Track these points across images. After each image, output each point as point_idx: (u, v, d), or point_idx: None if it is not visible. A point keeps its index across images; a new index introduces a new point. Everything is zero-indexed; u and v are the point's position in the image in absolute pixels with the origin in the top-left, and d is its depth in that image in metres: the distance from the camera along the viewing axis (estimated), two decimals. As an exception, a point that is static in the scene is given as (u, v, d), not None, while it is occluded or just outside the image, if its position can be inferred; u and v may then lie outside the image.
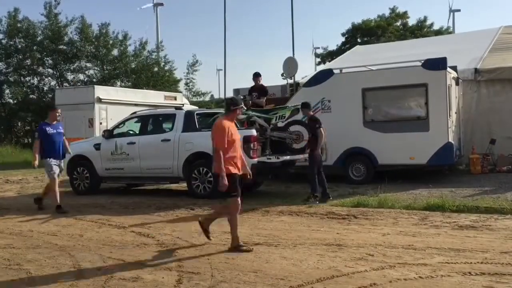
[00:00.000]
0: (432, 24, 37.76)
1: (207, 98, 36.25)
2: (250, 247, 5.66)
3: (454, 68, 11.79)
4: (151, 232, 6.86)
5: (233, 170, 5.68)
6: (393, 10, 38.69)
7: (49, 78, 29.34)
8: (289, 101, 12.14)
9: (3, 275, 5.00)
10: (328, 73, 11.90)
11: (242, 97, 9.59)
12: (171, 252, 5.71)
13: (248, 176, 6.17)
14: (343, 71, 11.93)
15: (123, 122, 11.25)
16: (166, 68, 30.99)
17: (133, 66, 29.41)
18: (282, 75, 16.41)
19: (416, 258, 5.06)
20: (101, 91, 18.33)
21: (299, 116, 10.86)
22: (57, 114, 9.37)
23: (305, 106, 9.66)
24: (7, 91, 28.34)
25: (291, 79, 16.33)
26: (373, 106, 11.21)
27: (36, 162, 8.96)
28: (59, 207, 8.86)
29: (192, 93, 33.34)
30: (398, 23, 38.44)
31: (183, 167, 9.92)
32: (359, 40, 36.06)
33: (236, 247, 5.63)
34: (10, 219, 8.31)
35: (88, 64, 29.60)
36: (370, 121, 11.16)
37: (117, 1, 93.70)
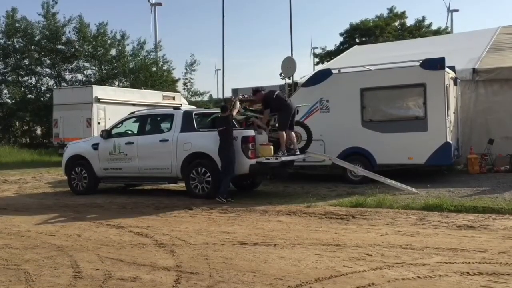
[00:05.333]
0: (430, 24, 37.87)
1: (206, 98, 36.33)
2: None
3: (452, 68, 11.81)
4: (149, 232, 6.85)
5: None
6: (391, 10, 38.77)
7: (47, 78, 29.36)
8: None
9: (1, 275, 4.99)
10: (326, 73, 11.91)
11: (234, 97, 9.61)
12: (169, 252, 5.71)
13: None
14: (342, 71, 11.93)
15: (121, 122, 11.24)
16: (164, 68, 31.02)
17: (131, 66, 29.40)
18: (280, 75, 16.40)
19: (414, 258, 5.06)
20: (99, 91, 18.34)
21: (298, 117, 10.90)
22: None
23: None
24: (5, 91, 28.32)
25: (290, 79, 16.35)
26: (372, 106, 11.23)
27: None
28: None
29: (191, 93, 33.44)
30: (396, 23, 38.49)
31: (182, 167, 9.91)
32: (357, 40, 36.09)
33: None
34: (8, 219, 8.29)
35: (86, 64, 29.61)
36: (369, 121, 11.17)
37: (115, 1, 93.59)
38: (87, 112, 17.67)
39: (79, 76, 29.75)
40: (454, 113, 11.66)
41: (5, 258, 5.66)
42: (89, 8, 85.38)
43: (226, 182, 9.36)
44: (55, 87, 26.76)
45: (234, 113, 9.70)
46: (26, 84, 28.94)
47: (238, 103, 9.80)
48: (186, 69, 32.89)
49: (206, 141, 9.75)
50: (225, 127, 9.28)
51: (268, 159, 9.43)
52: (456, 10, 50.21)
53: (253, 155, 9.30)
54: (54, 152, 20.76)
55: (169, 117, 10.58)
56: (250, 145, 9.29)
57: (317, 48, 45.85)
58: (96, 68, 29.62)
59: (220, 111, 9.66)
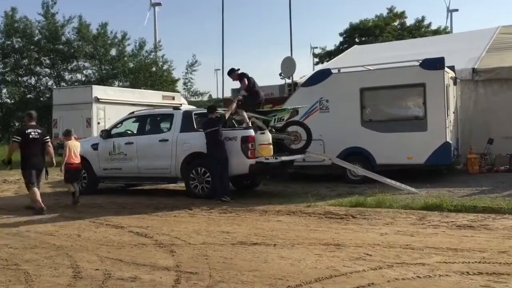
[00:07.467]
0: (430, 24, 37.82)
1: (205, 98, 36.35)
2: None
3: (452, 68, 11.80)
4: (149, 232, 6.84)
5: None
6: (391, 10, 38.74)
7: (47, 78, 29.31)
8: (287, 101, 12.16)
9: (1, 275, 4.99)
10: (326, 73, 11.91)
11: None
12: (169, 252, 5.71)
13: None
14: (341, 71, 11.93)
15: (121, 122, 11.23)
16: (164, 67, 30.99)
17: (131, 65, 29.38)
18: (280, 75, 16.43)
19: (414, 258, 5.06)
20: (99, 91, 18.32)
21: (297, 116, 10.90)
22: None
23: None
24: (4, 90, 28.30)
25: (289, 79, 16.36)
26: (371, 106, 11.24)
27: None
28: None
29: (190, 93, 33.43)
30: (396, 23, 38.48)
31: (181, 167, 9.91)
32: (357, 40, 36.06)
33: None
34: (7, 219, 8.29)
35: (86, 64, 29.57)
36: (368, 120, 11.17)
37: (115, 1, 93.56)
38: (87, 112, 17.65)
39: (79, 76, 29.75)
40: (453, 113, 11.66)
41: (4, 258, 5.66)
42: (89, 8, 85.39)
43: (227, 181, 9.39)
44: (55, 87, 26.74)
45: (227, 114, 9.73)
46: (26, 84, 28.91)
47: (234, 105, 9.81)
48: (186, 69, 32.89)
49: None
50: (216, 127, 9.30)
51: (268, 159, 9.44)
52: (456, 10, 50.27)
53: (252, 155, 9.29)
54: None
55: (168, 117, 10.57)
56: (249, 145, 9.29)
57: (316, 48, 45.91)
58: (96, 68, 29.60)
59: (207, 112, 9.70)
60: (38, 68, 28.81)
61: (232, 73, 10.38)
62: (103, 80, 28.17)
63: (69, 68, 29.23)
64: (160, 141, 10.20)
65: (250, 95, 10.17)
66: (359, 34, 37.54)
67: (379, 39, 33.56)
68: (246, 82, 10.06)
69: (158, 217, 8.10)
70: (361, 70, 11.88)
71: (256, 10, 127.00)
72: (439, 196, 8.37)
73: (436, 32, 36.08)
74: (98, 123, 17.49)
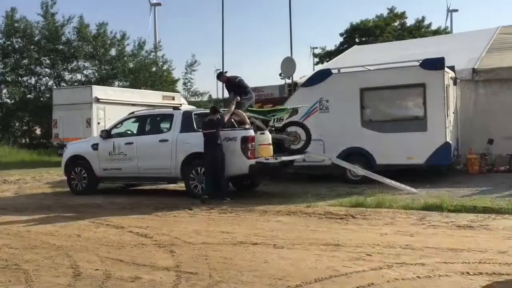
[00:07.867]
0: (430, 24, 37.80)
1: (205, 98, 36.37)
2: None
3: (452, 68, 11.80)
4: (149, 232, 6.84)
5: None
6: (391, 10, 38.73)
7: (47, 78, 29.31)
8: (287, 101, 12.16)
9: (1, 275, 4.99)
10: (326, 73, 11.91)
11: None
12: (169, 252, 5.70)
13: None
14: (341, 71, 11.93)
15: (121, 122, 11.23)
16: (164, 68, 30.98)
17: (131, 66, 29.37)
18: (280, 75, 16.43)
19: (414, 258, 5.06)
20: (99, 91, 18.33)
21: (297, 117, 10.90)
22: None
23: None
24: (4, 90, 28.30)
25: (289, 79, 16.35)
26: (371, 106, 11.24)
27: None
28: None
29: (190, 93, 33.44)
30: (396, 23, 38.46)
31: (181, 167, 9.91)
32: (357, 40, 36.04)
33: None
34: (7, 219, 8.29)
35: (86, 64, 29.57)
36: (368, 121, 11.17)
37: (115, 1, 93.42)
38: (87, 112, 17.67)
39: (79, 76, 29.75)
40: (453, 113, 11.66)
41: (4, 258, 5.66)
42: (89, 8, 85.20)
43: (223, 183, 9.38)
44: (55, 87, 26.74)
45: (227, 117, 9.71)
46: (26, 84, 28.92)
47: (233, 107, 9.79)
48: (186, 69, 32.87)
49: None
50: (215, 129, 9.30)
51: (268, 159, 9.44)
52: (456, 10, 50.24)
53: (252, 155, 9.30)
54: (53, 152, 20.76)
55: (168, 117, 10.57)
56: (249, 145, 9.29)
57: (317, 48, 45.75)
58: (96, 68, 29.60)
59: (210, 112, 9.71)
60: (38, 68, 28.81)
61: (221, 76, 10.58)
62: (103, 80, 28.15)
63: (69, 68, 29.23)
64: (160, 141, 10.20)
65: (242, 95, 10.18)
66: (360, 34, 37.51)
67: (379, 39, 33.53)
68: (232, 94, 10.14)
69: (158, 217, 8.10)
70: (361, 70, 11.88)
71: (256, 10, 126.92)
72: (439, 196, 8.35)
73: (436, 32, 36.05)
74: (98, 123, 17.51)
